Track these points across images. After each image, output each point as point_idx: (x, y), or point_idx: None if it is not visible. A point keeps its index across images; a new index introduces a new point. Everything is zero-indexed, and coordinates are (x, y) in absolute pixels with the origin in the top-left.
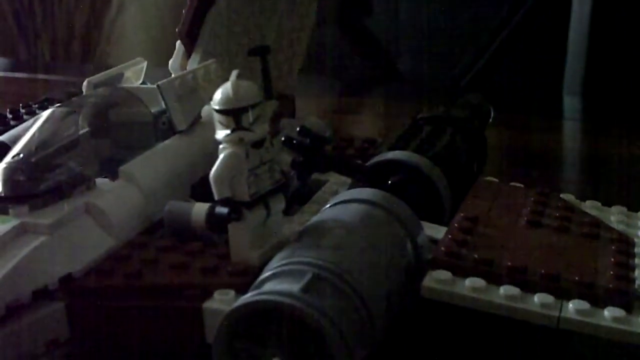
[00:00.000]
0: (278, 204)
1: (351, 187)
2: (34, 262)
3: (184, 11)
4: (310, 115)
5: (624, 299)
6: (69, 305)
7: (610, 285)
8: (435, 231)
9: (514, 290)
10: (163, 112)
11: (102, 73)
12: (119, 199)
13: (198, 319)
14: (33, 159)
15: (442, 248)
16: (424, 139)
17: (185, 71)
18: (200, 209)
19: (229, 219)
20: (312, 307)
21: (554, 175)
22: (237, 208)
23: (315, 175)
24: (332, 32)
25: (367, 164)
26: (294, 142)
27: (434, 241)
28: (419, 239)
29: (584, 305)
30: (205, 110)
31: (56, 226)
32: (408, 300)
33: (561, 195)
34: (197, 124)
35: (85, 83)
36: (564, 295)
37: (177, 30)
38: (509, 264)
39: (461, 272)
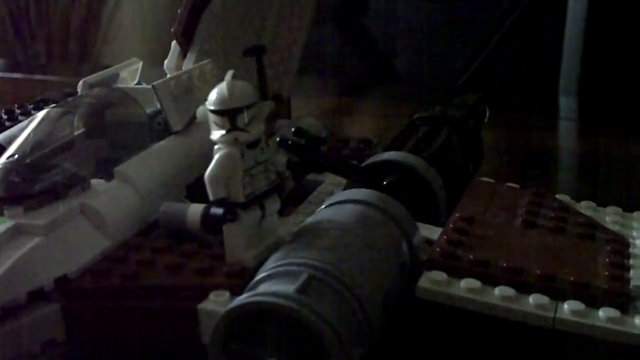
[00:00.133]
0: (273, 205)
1: (347, 187)
2: (29, 263)
3: (179, 11)
4: (306, 116)
5: (619, 300)
6: (64, 306)
7: (606, 286)
8: (431, 232)
9: (509, 291)
10: (158, 112)
11: (98, 73)
12: (114, 199)
13: (193, 320)
14: (28, 160)
15: (438, 249)
16: (419, 139)
17: (180, 71)
18: (195, 209)
19: (224, 220)
20: (308, 308)
21: (550, 175)
22: (232, 209)
23: (311, 176)
24: (329, 32)
25: (363, 164)
26: (290, 142)
27: (429, 242)
28: (415, 240)
29: (579, 306)
30: (200, 111)
31: (51, 227)
32: (404, 301)
33: (556, 196)
34: (193, 124)
35: (80, 83)
36: (559, 296)
37: (172, 30)
38: (505, 264)
39: (456, 273)
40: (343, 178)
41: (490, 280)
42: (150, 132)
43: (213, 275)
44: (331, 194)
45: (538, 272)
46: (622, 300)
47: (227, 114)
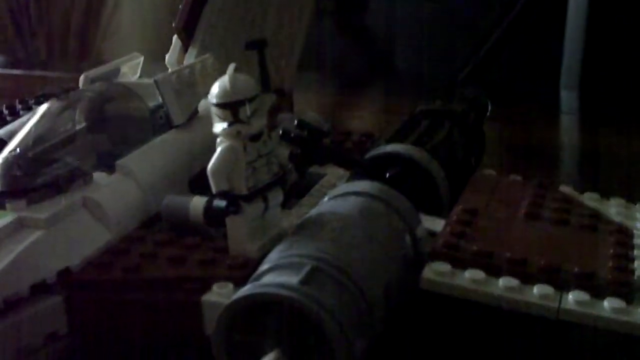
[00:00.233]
0: (276, 197)
1: (349, 179)
2: (31, 256)
3: (180, 6)
4: (308, 110)
5: (624, 290)
6: (67, 299)
7: (610, 277)
8: (434, 223)
9: (513, 281)
10: (160, 106)
11: (99, 68)
12: (116, 193)
13: (197, 312)
14: (30, 154)
15: (441, 240)
16: (422, 132)
17: (182, 66)
18: (198, 202)
19: (227, 212)
20: (312, 299)
21: (551, 168)
22: (235, 201)
23: (314, 169)
24: (330, 27)
25: (366, 156)
26: (292, 135)
27: (432, 234)
28: (418, 231)
29: (584, 296)
30: (202, 105)
31: (53, 220)
32: (407, 292)
33: (560, 188)
34: (195, 118)
35: (82, 78)
36: (563, 286)
37: (173, 24)
38: (508, 255)
39: (460, 264)
40: (346, 170)
41: (494, 271)
42: (152, 126)
43: (216, 267)
44: (334, 186)
45: (542, 262)
46: (627, 291)
47: (230, 106)
